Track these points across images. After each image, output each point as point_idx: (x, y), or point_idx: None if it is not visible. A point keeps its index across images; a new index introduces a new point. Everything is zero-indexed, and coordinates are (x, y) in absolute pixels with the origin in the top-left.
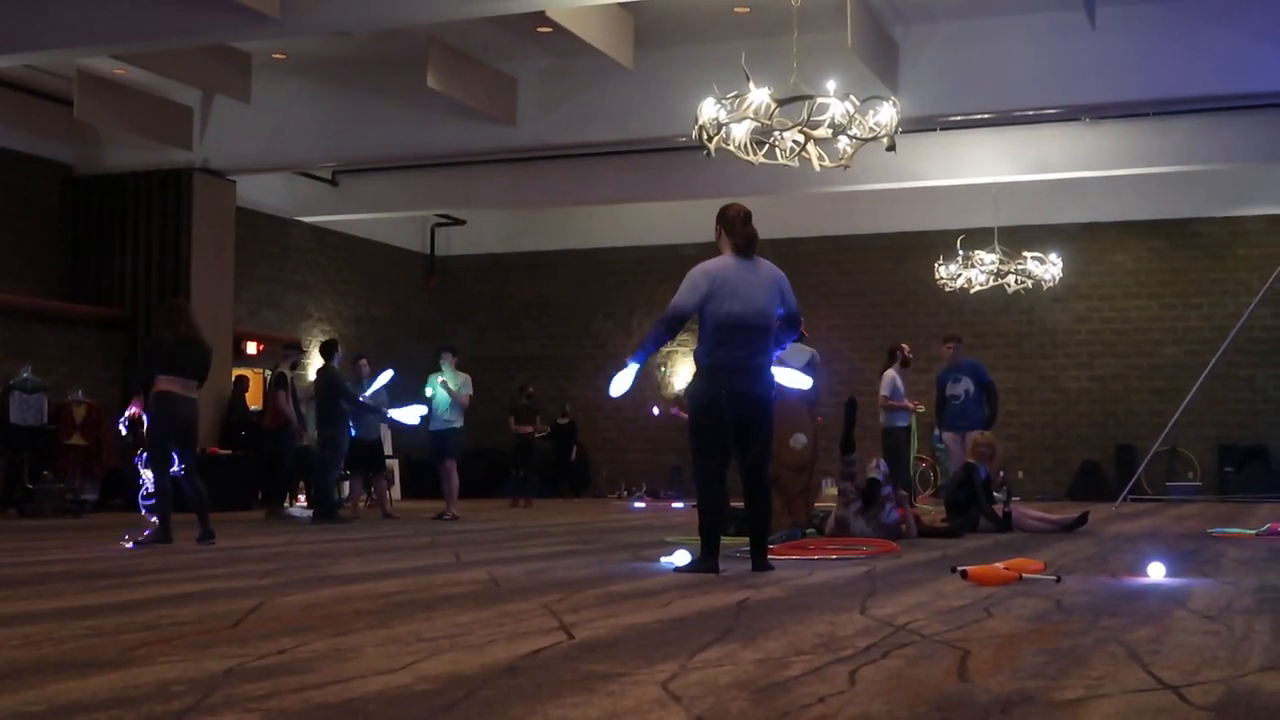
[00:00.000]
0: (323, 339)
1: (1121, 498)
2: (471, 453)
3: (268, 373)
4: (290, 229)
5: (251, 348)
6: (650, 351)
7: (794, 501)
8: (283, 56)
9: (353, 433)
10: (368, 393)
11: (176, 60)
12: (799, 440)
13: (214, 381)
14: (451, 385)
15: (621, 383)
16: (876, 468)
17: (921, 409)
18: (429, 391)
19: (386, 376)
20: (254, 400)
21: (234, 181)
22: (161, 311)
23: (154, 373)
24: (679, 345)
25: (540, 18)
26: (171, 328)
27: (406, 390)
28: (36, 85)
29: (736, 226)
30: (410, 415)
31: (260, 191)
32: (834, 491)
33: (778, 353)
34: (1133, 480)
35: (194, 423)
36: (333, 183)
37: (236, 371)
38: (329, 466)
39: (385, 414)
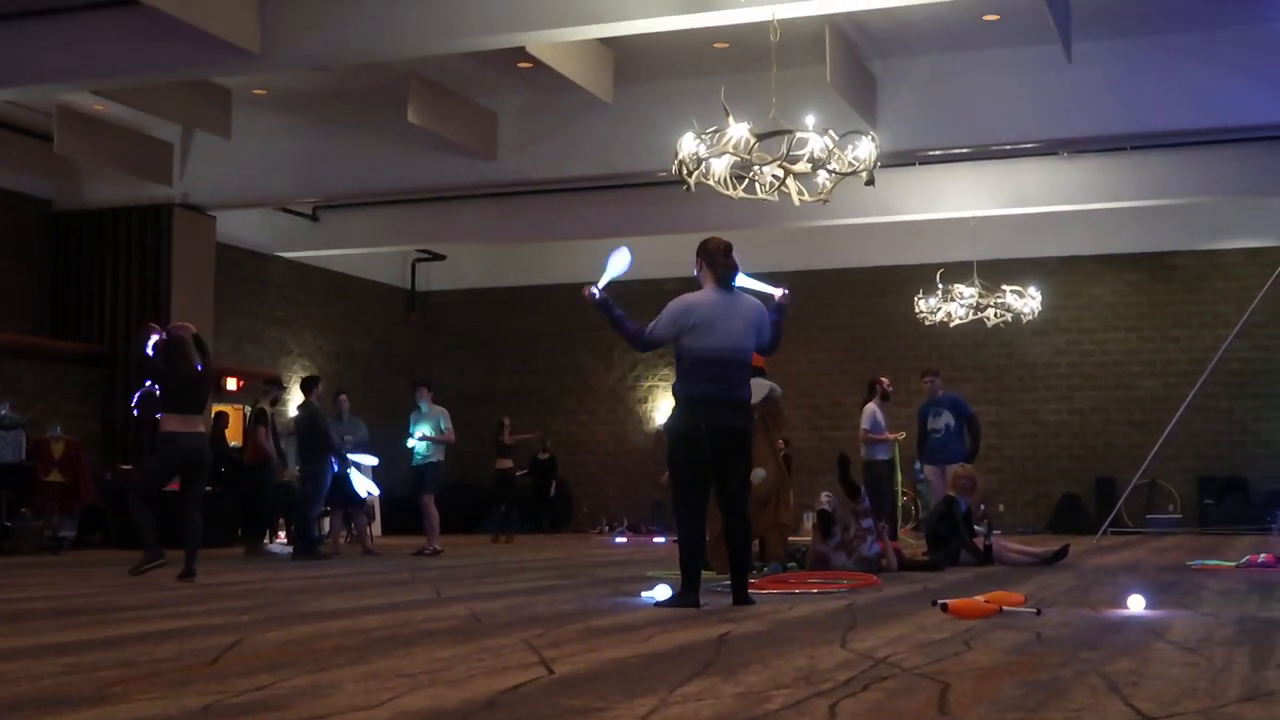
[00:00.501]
0: (303, 375)
1: (1102, 530)
2: (452, 487)
3: (247, 409)
4: (270, 264)
5: (231, 383)
6: (618, 319)
7: (768, 536)
8: (263, 92)
9: (335, 469)
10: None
11: (157, 96)
12: (757, 475)
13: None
14: (427, 429)
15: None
16: (828, 500)
17: (903, 436)
18: (413, 430)
19: (365, 453)
20: (234, 436)
21: (214, 217)
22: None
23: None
24: (660, 380)
25: (520, 53)
26: (177, 359)
27: (386, 432)
28: (16, 121)
29: (719, 259)
30: (362, 487)
31: (240, 227)
32: (809, 526)
33: (775, 327)
34: (1113, 513)
35: (201, 458)
36: (313, 218)
37: (216, 408)
38: (310, 502)
39: (347, 458)
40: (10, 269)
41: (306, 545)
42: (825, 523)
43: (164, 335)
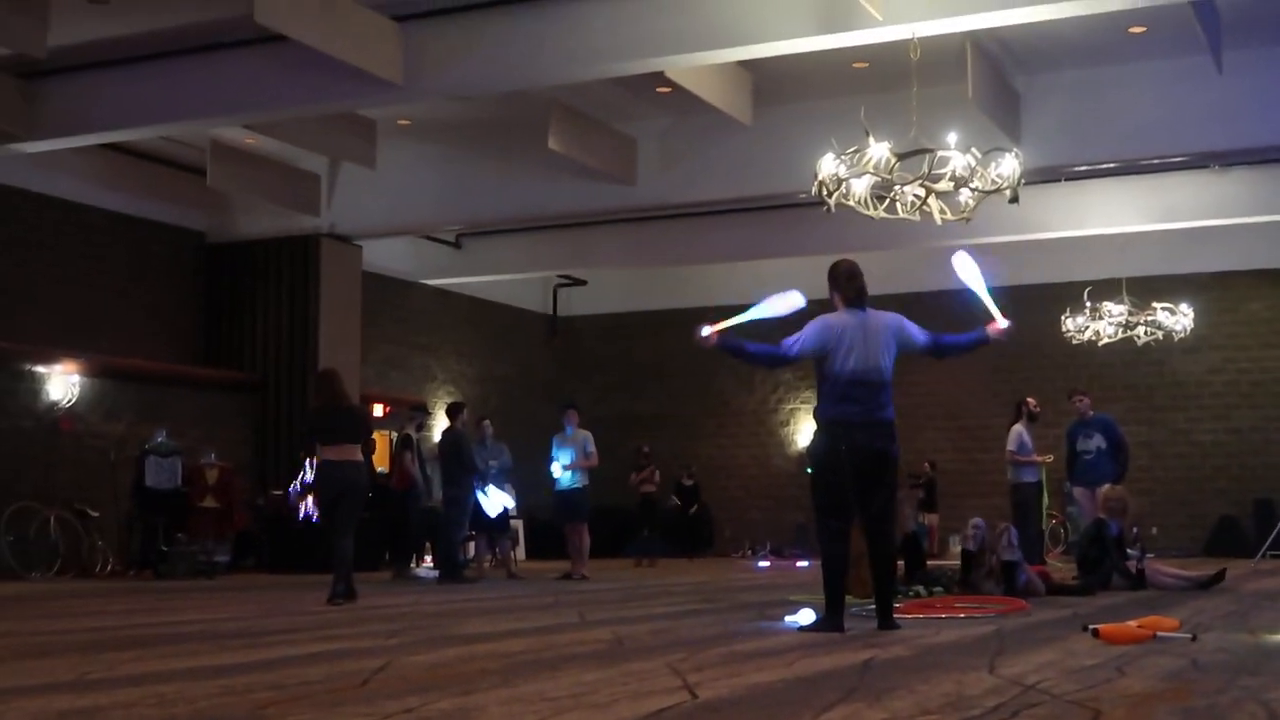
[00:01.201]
0: (448, 400)
1: (1261, 553)
2: (593, 511)
3: (394, 434)
4: (414, 291)
5: (378, 409)
6: (747, 350)
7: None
8: (407, 122)
9: (477, 491)
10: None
11: (304, 128)
12: None
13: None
14: (569, 456)
15: (713, 330)
16: (973, 535)
17: (1050, 459)
18: (556, 455)
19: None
20: (380, 462)
21: (360, 246)
22: (314, 382)
23: (313, 442)
24: (802, 403)
25: (659, 78)
26: (319, 396)
27: (529, 456)
28: (171, 156)
29: (842, 282)
30: (495, 504)
31: (385, 255)
32: (958, 550)
33: (960, 338)
34: (1273, 535)
35: (351, 485)
36: (456, 245)
37: None
38: (454, 526)
39: (484, 486)
40: (167, 300)
41: (452, 569)
42: (966, 565)
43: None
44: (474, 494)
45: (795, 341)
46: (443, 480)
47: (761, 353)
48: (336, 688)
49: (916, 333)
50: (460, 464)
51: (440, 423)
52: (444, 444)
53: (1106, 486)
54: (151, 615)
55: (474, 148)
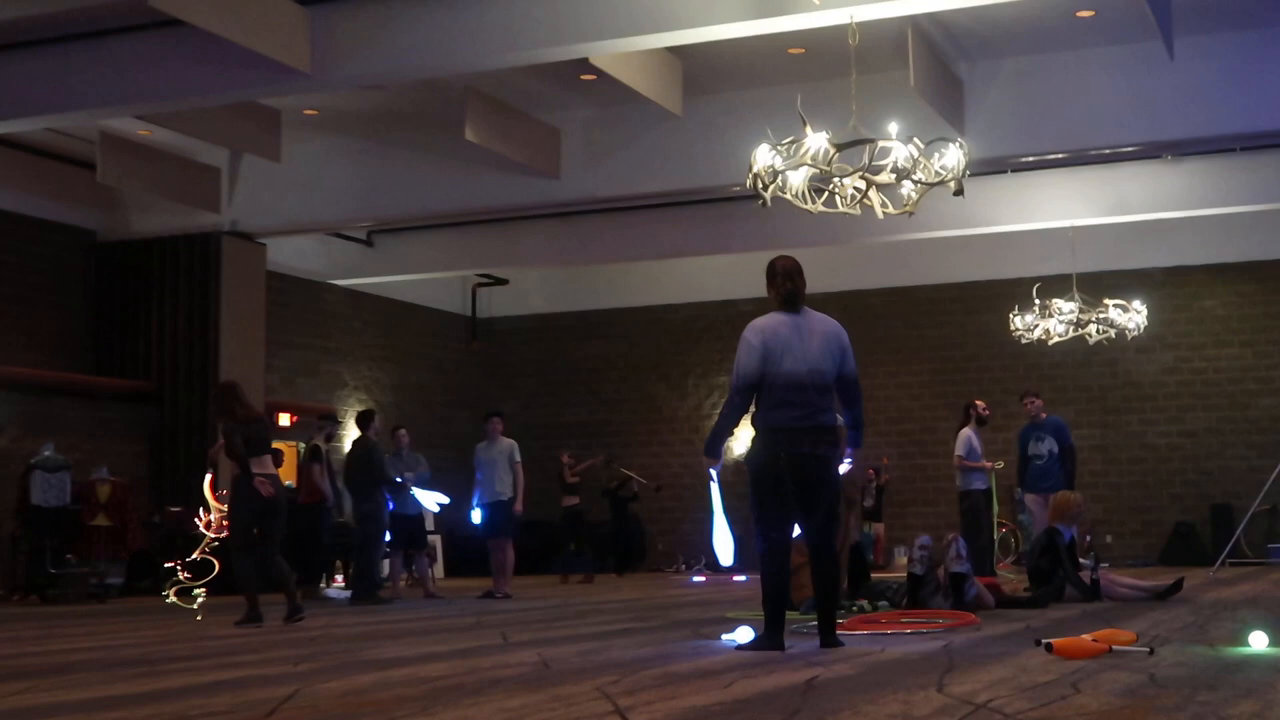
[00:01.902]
0: (359, 408)
1: (1219, 562)
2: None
3: (301, 445)
4: (324, 293)
5: (285, 419)
6: (730, 426)
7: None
8: (314, 112)
9: (390, 506)
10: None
11: (203, 119)
12: None
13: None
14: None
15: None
16: (920, 556)
17: (1001, 465)
18: (478, 467)
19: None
20: (287, 475)
21: (264, 244)
22: (216, 398)
23: (239, 457)
24: None
25: (584, 65)
26: (232, 412)
27: (448, 467)
28: (58, 149)
29: (778, 281)
30: (431, 501)
31: (292, 254)
32: (904, 561)
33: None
34: (1231, 542)
35: (280, 501)
36: (368, 243)
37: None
38: (371, 543)
39: (412, 492)
40: (53, 304)
41: (367, 589)
42: (913, 588)
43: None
44: (387, 507)
45: (736, 379)
46: (353, 494)
47: (733, 416)
48: (241, 719)
49: (849, 363)
50: (371, 476)
51: (352, 433)
52: (353, 455)
53: (1058, 493)
54: (39, 644)
55: (387, 139)
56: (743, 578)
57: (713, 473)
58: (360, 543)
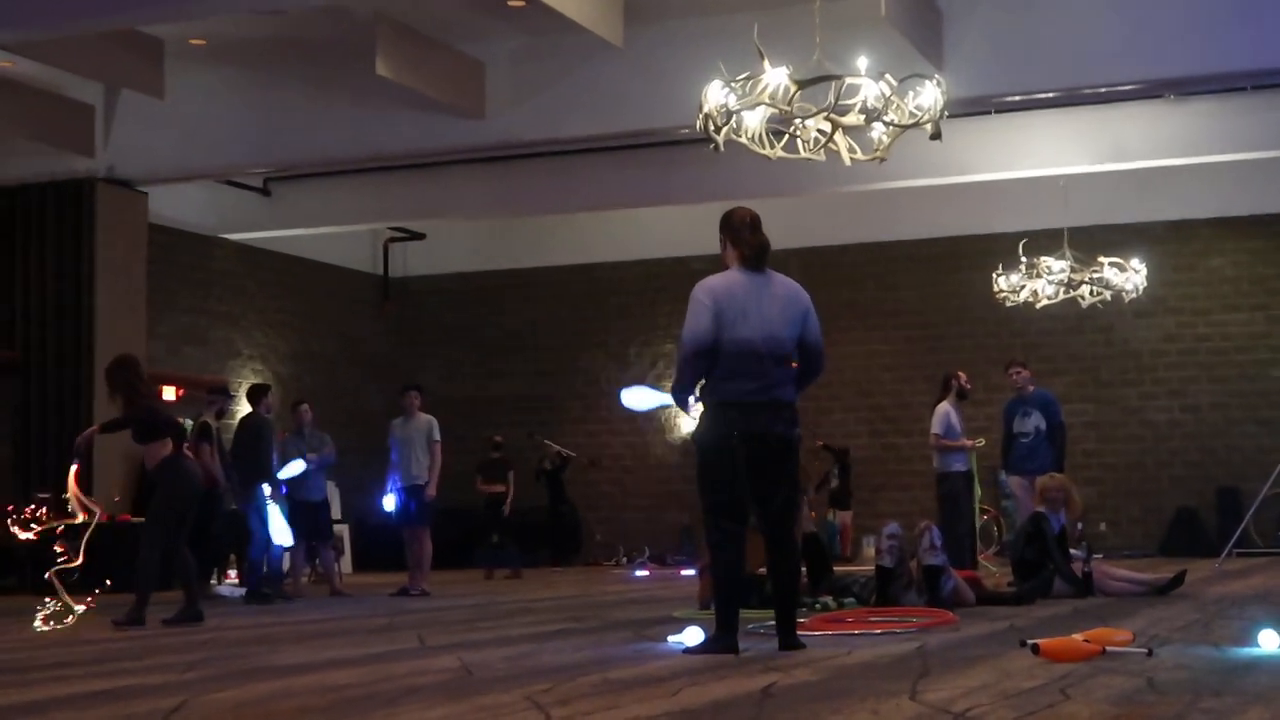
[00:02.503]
0: (254, 381)
1: (1226, 552)
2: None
3: (189, 423)
4: (214, 248)
5: (169, 393)
6: (686, 396)
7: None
8: (202, 42)
9: (283, 490)
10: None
11: (74, 50)
12: None
13: (121, 434)
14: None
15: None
16: (889, 548)
17: (983, 442)
18: (392, 447)
19: (297, 468)
20: None
21: (145, 193)
22: (116, 374)
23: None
24: None
25: None
26: (136, 389)
27: (355, 447)
28: None
29: (744, 235)
30: (293, 469)
31: (178, 205)
32: (873, 553)
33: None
34: (1239, 530)
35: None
36: (264, 192)
37: None
38: (261, 533)
39: (276, 478)
40: None
41: (258, 585)
42: (882, 582)
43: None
44: (262, 495)
45: (685, 344)
46: (239, 479)
47: (686, 386)
48: None
49: (813, 329)
50: (259, 461)
51: (244, 410)
52: (241, 434)
53: (1046, 475)
54: None
55: (286, 74)
56: (691, 572)
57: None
58: (250, 534)
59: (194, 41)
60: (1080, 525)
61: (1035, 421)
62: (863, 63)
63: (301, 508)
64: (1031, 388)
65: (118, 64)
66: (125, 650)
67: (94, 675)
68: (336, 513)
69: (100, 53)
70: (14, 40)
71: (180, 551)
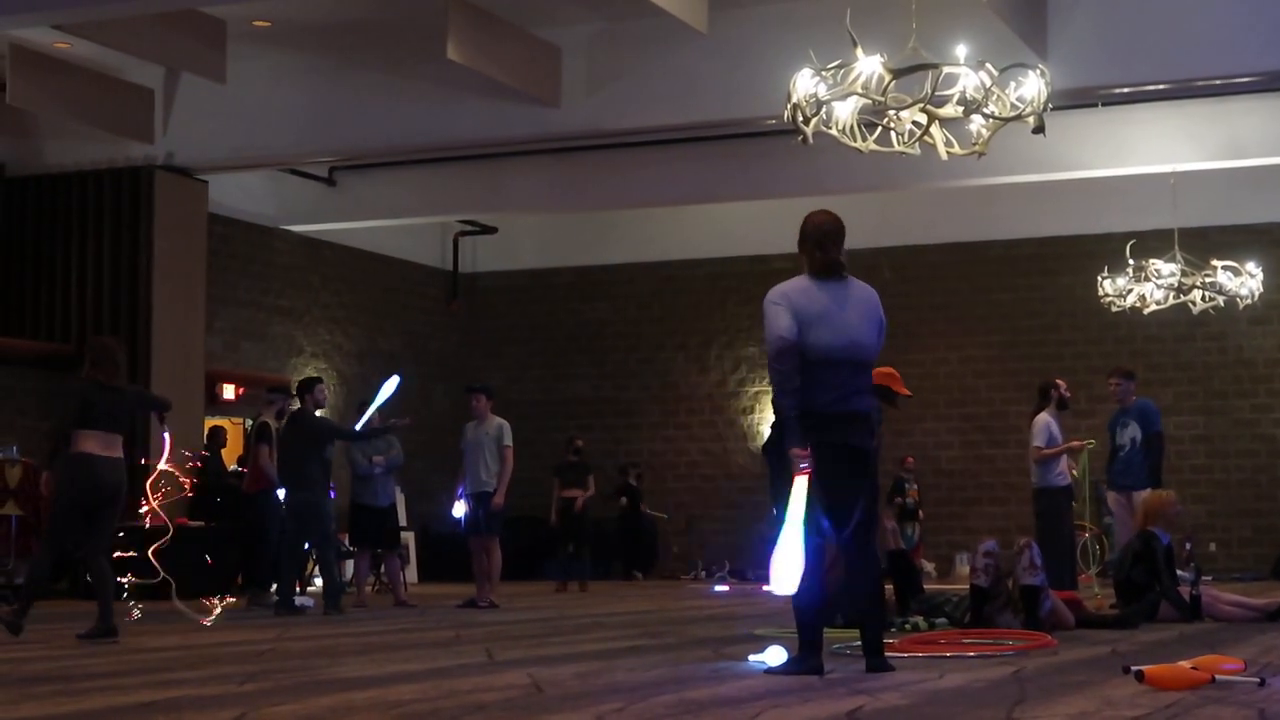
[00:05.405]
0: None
1: None
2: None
3: (248, 423)
4: (276, 240)
5: (229, 391)
6: (788, 401)
7: None
8: (266, 24)
9: (331, 494)
10: (367, 415)
11: (133, 31)
12: None
13: (181, 435)
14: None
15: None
16: (984, 566)
17: (1093, 444)
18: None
19: (392, 386)
20: (232, 458)
21: (205, 182)
22: (98, 352)
23: (71, 428)
24: (769, 385)
25: None
26: (109, 374)
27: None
28: None
29: (810, 244)
30: (387, 388)
31: (237, 194)
32: (966, 571)
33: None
34: None
35: (118, 489)
36: (329, 182)
37: (210, 422)
38: (317, 540)
39: (374, 426)
40: None
41: (287, 599)
42: (977, 602)
43: None
44: (329, 496)
45: (772, 344)
46: (286, 481)
47: (784, 385)
48: None
49: (881, 340)
50: (311, 456)
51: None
52: (290, 432)
53: (1148, 492)
54: None
55: (352, 57)
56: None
57: (804, 466)
58: (293, 541)
59: (258, 23)
60: (1188, 545)
61: (1132, 433)
62: (962, 51)
63: (366, 513)
64: (1133, 398)
65: (178, 46)
66: (180, 659)
67: (148, 685)
68: (402, 519)
69: (160, 34)
70: (71, 20)
71: (97, 561)
